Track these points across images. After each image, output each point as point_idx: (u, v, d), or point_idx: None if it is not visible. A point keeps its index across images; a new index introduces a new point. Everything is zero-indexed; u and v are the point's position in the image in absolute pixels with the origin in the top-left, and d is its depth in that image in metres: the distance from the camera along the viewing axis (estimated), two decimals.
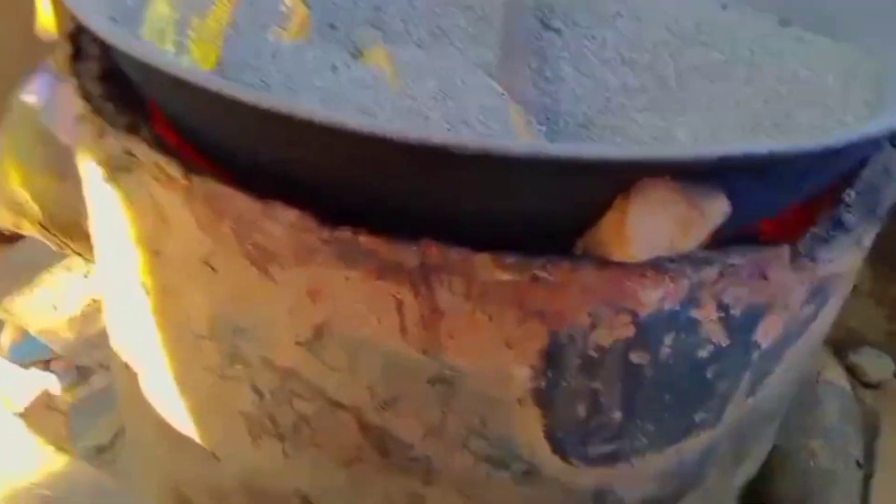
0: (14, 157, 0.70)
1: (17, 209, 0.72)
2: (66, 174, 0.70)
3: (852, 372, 0.82)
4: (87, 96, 0.43)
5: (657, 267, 0.35)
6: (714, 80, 0.57)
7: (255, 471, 0.47)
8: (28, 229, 0.74)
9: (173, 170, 0.38)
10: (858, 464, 0.71)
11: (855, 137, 0.33)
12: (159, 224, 0.41)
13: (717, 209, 0.33)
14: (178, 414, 0.49)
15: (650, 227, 0.32)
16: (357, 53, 0.59)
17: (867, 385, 0.81)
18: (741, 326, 0.40)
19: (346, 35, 0.62)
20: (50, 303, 0.78)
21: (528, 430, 0.40)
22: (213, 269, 0.40)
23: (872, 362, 0.82)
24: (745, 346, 0.41)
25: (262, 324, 0.40)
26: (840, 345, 0.83)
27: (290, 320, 0.39)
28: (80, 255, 0.75)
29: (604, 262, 0.34)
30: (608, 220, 0.33)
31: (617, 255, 0.33)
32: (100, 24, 0.38)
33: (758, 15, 0.60)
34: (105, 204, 0.44)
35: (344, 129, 0.30)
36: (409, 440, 0.41)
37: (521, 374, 0.38)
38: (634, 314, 0.36)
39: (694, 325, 0.38)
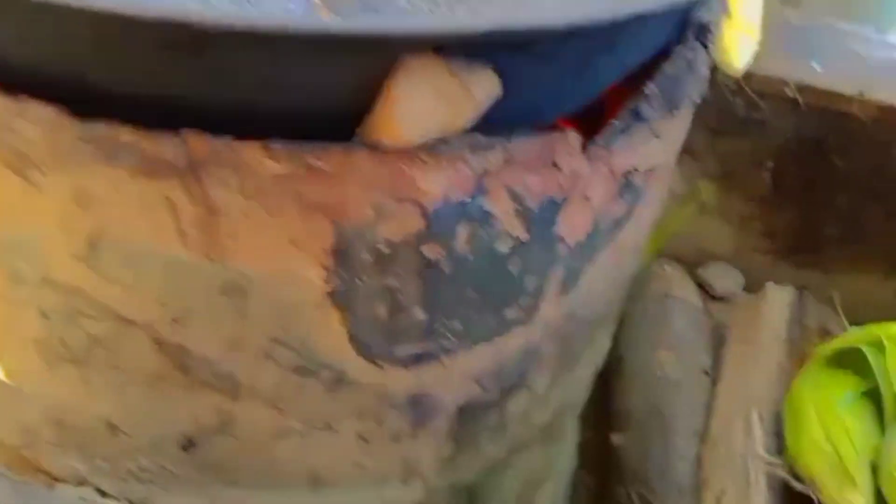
0: None
1: None
2: None
3: (702, 287, 0.85)
4: None
5: (434, 152, 0.34)
6: None
7: (58, 401, 0.44)
8: None
9: None
10: (706, 372, 0.74)
11: (630, 10, 0.33)
12: None
13: (486, 87, 0.32)
14: None
15: (416, 106, 0.31)
16: None
17: (716, 298, 0.84)
18: (540, 219, 0.40)
19: None
20: None
21: (332, 335, 0.39)
22: None
23: (721, 277, 0.85)
24: (547, 240, 0.41)
25: (36, 238, 0.38)
26: (690, 261, 0.85)
27: (63, 232, 0.37)
28: None
29: (378, 149, 0.33)
30: (379, 104, 0.32)
31: (387, 140, 0.32)
32: None
33: None
34: None
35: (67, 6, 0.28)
36: (210, 355, 0.40)
37: (314, 276, 0.36)
38: (421, 205, 0.35)
39: (489, 217, 0.38)
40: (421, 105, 0.31)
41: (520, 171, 0.37)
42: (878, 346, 0.61)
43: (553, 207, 0.40)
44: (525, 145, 0.37)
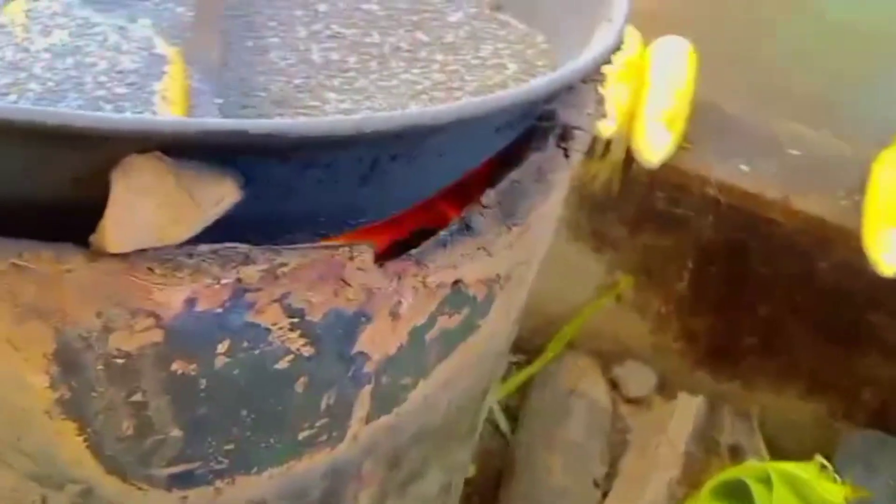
0: None
1: None
2: None
3: (615, 385, 0.80)
4: None
5: (171, 261, 0.29)
6: (412, 65, 0.53)
7: None
8: None
9: None
10: (596, 483, 0.68)
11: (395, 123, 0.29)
12: None
13: (216, 193, 0.28)
14: None
15: (131, 212, 0.27)
16: None
17: (629, 400, 0.79)
18: (330, 335, 0.35)
19: None
20: None
21: (70, 447, 0.34)
22: None
23: (635, 377, 0.80)
24: (344, 356, 0.37)
25: None
26: (605, 356, 0.80)
27: None
28: None
29: (98, 254, 0.29)
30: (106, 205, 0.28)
31: (103, 246, 0.28)
32: None
33: None
34: None
35: None
36: None
37: (39, 382, 0.32)
38: (156, 316, 0.30)
39: (258, 331, 0.33)
40: (137, 211, 0.27)
41: (296, 284, 0.32)
42: (766, 483, 0.56)
43: (346, 322, 0.35)
44: (302, 258, 0.32)
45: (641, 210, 0.73)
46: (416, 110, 0.30)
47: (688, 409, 0.72)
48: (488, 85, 0.48)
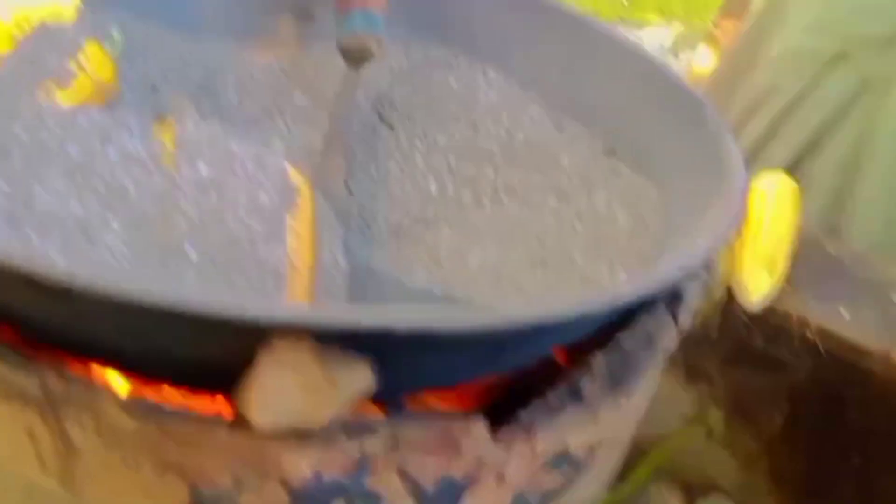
0: None
1: None
2: None
3: None
4: None
5: (300, 433, 0.31)
6: (525, 205, 0.54)
7: None
8: None
9: None
10: None
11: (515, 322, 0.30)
12: None
13: (355, 379, 0.29)
14: None
15: (275, 392, 0.29)
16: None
17: None
18: (439, 499, 0.36)
19: (164, 100, 0.59)
20: None
21: None
22: None
23: None
24: None
25: None
26: (690, 489, 0.79)
27: None
28: None
29: (238, 423, 0.30)
30: (246, 380, 0.30)
31: (248, 417, 0.30)
32: None
33: (588, 140, 0.58)
34: None
35: None
36: None
37: None
38: (286, 482, 0.32)
39: (374, 495, 0.34)
40: (280, 392, 0.29)
41: (414, 454, 0.34)
42: None
43: (455, 486, 0.36)
44: (421, 429, 0.33)
45: (737, 347, 0.72)
46: (549, 308, 0.31)
47: None
48: (598, 237, 0.49)
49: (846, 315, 0.71)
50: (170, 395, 0.33)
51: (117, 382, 0.32)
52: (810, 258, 0.75)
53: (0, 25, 0.50)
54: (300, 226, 0.50)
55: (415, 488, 0.35)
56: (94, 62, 0.53)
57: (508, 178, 0.57)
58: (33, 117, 0.46)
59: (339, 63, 0.62)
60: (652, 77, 0.56)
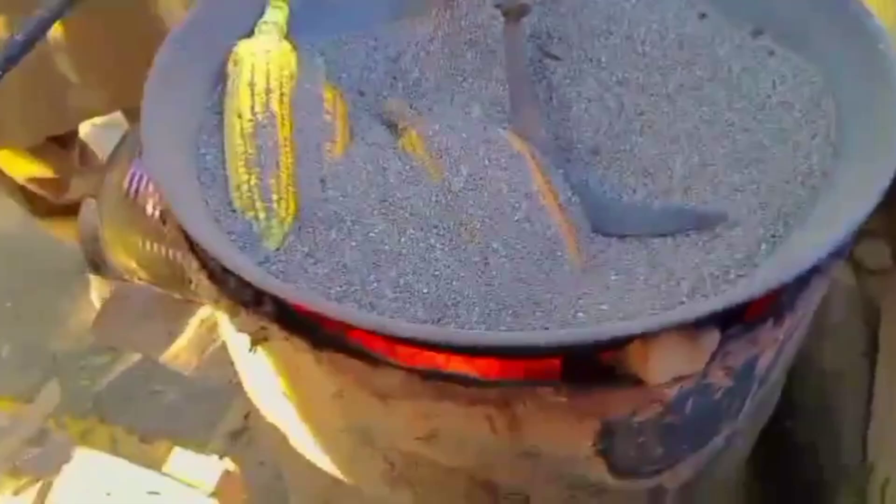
0: (116, 233, 0.82)
1: (130, 273, 0.84)
2: (162, 236, 0.83)
3: (853, 260, 0.94)
4: (211, 276, 0.55)
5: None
6: (701, 103, 0.65)
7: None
8: (142, 281, 0.87)
9: (300, 343, 0.51)
10: (864, 354, 0.85)
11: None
12: (293, 369, 0.54)
13: (711, 342, 0.45)
14: (325, 464, 0.64)
15: (667, 363, 0.45)
16: (392, 127, 0.67)
17: (868, 272, 0.93)
18: (743, 372, 0.53)
19: (375, 100, 0.70)
20: (166, 330, 0.92)
21: (598, 469, 0.54)
22: (342, 398, 0.53)
23: (871, 253, 0.94)
24: (749, 379, 0.54)
25: (386, 430, 0.54)
26: None
27: (407, 430, 0.53)
28: (184, 300, 0.88)
29: (639, 382, 0.47)
30: (639, 360, 0.46)
31: (646, 378, 0.46)
32: (220, 250, 0.50)
33: (732, 25, 0.67)
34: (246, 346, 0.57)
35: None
36: (509, 485, 0.56)
37: (587, 445, 0.52)
38: (661, 401, 0.49)
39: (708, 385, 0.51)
40: (671, 362, 0.45)
41: (731, 354, 0.50)
42: None
43: (751, 362, 0.53)
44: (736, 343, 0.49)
45: None
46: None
47: None
48: (783, 129, 0.61)
49: None
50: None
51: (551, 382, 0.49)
52: None
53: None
54: (540, 187, 0.63)
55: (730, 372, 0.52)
56: (338, 104, 0.64)
57: (676, 79, 0.67)
58: (335, 175, 0.60)
59: (491, 14, 0.71)
60: None
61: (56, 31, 0.98)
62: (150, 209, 0.82)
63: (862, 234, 0.96)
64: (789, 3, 0.64)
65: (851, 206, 0.51)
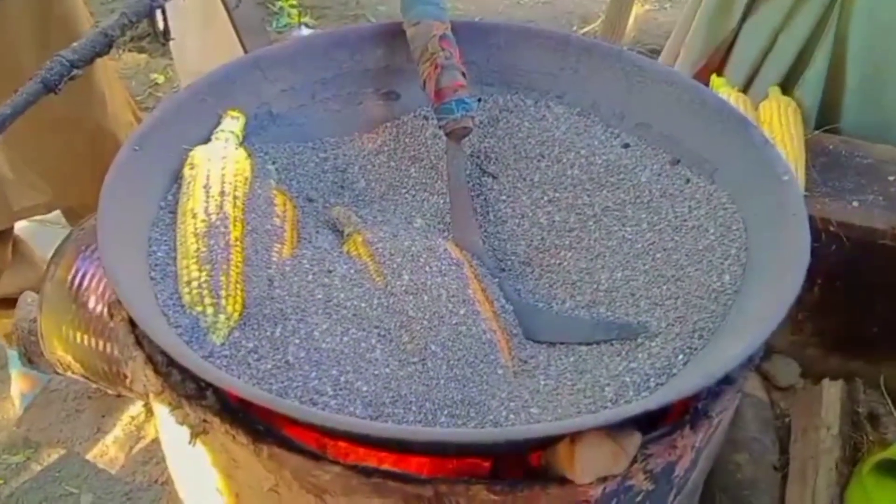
0: (55, 326, 0.81)
1: (64, 367, 0.84)
2: (101, 330, 0.83)
3: (766, 377, 1.00)
4: (155, 369, 0.56)
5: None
6: (624, 223, 0.71)
7: None
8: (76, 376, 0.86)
9: (241, 436, 0.52)
10: (774, 467, 0.90)
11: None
12: (231, 463, 0.55)
13: (634, 444, 0.48)
14: None
15: (593, 462, 0.48)
16: (338, 233, 0.71)
17: (779, 388, 0.99)
18: (663, 476, 0.56)
19: (323, 207, 0.74)
20: (94, 426, 0.91)
21: None
22: (278, 493, 0.54)
23: (782, 369, 1.00)
24: (668, 483, 0.57)
25: None
26: None
27: None
28: (117, 395, 0.87)
29: (564, 482, 0.50)
30: (565, 457, 0.49)
31: (571, 477, 0.49)
32: (167, 342, 0.51)
33: (653, 154, 0.74)
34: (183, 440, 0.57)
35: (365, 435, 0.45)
36: None
37: None
38: (587, 500, 0.52)
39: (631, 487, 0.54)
40: (594, 461, 0.48)
41: (652, 458, 0.53)
42: None
43: (671, 466, 0.56)
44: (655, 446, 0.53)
45: None
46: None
47: (833, 394, 0.92)
48: (699, 249, 0.66)
49: (856, 204, 0.90)
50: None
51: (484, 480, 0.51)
52: (816, 160, 0.93)
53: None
54: (477, 294, 0.67)
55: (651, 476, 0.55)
56: (289, 209, 0.68)
57: (601, 200, 0.73)
58: (282, 275, 0.62)
59: (433, 133, 0.77)
60: (692, 95, 0.72)
61: None
62: (92, 304, 0.83)
63: (772, 351, 1.03)
64: (703, 137, 0.71)
65: (760, 321, 0.56)
